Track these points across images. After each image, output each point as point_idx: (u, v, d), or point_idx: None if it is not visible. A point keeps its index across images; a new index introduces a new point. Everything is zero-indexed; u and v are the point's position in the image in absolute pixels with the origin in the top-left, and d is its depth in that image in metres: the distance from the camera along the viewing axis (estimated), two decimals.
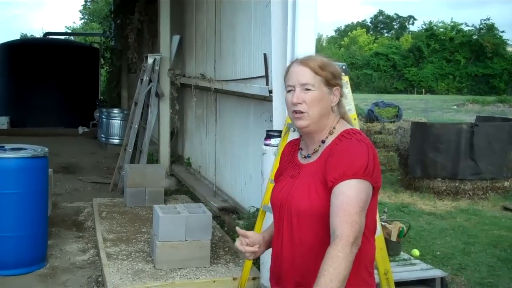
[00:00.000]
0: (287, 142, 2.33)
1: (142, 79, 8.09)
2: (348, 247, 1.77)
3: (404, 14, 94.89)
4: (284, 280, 2.02)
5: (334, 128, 2.04)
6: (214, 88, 6.90)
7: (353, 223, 1.80)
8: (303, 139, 2.13)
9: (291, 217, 1.98)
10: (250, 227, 4.75)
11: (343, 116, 2.10)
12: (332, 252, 1.76)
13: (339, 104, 2.06)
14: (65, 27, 54.55)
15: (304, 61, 2.01)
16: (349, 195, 1.84)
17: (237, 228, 2.11)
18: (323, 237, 1.88)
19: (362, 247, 1.89)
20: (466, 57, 55.89)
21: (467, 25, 58.44)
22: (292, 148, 2.20)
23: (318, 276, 1.73)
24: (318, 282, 1.72)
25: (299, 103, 1.98)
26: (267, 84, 4.97)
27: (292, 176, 2.07)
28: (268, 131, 4.27)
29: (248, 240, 2.08)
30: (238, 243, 2.08)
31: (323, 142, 2.03)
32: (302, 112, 1.99)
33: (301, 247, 1.96)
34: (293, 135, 3.90)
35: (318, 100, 1.99)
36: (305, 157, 2.08)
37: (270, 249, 2.16)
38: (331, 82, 2.01)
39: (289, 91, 2.03)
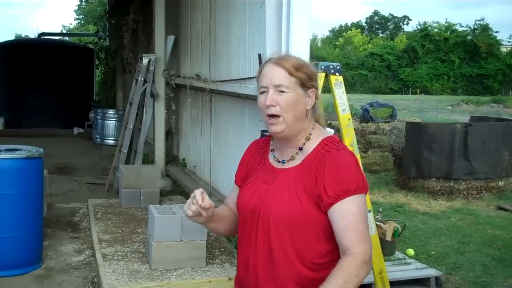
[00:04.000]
0: (254, 140, 2.17)
1: (137, 80, 8.08)
2: (363, 266, 1.76)
3: (399, 14, 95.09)
4: None
5: (310, 134, 1.95)
6: (209, 89, 6.91)
7: (365, 240, 1.80)
8: (274, 140, 2.02)
9: (268, 225, 1.88)
10: None
11: (318, 120, 2.01)
12: (347, 268, 1.74)
13: (314, 107, 1.96)
14: (62, 25, 54.41)
15: (279, 61, 1.89)
16: (356, 213, 1.82)
17: (201, 189, 1.90)
18: (302, 246, 1.86)
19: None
20: (460, 58, 56.04)
21: (462, 26, 58.64)
22: (261, 148, 2.08)
23: (327, 281, 1.73)
24: (327, 285, 1.72)
25: (273, 106, 1.87)
26: None
27: (265, 180, 1.95)
28: (262, 131, 4.27)
29: (201, 205, 1.86)
30: (192, 199, 1.88)
31: (300, 149, 1.94)
32: (276, 116, 1.88)
33: (280, 256, 1.87)
34: None
35: (293, 103, 1.87)
36: (279, 161, 1.98)
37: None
38: (307, 84, 1.90)
39: (262, 92, 1.91)
